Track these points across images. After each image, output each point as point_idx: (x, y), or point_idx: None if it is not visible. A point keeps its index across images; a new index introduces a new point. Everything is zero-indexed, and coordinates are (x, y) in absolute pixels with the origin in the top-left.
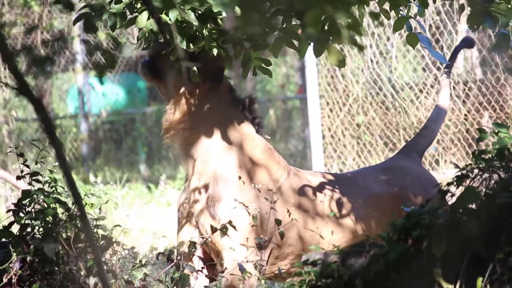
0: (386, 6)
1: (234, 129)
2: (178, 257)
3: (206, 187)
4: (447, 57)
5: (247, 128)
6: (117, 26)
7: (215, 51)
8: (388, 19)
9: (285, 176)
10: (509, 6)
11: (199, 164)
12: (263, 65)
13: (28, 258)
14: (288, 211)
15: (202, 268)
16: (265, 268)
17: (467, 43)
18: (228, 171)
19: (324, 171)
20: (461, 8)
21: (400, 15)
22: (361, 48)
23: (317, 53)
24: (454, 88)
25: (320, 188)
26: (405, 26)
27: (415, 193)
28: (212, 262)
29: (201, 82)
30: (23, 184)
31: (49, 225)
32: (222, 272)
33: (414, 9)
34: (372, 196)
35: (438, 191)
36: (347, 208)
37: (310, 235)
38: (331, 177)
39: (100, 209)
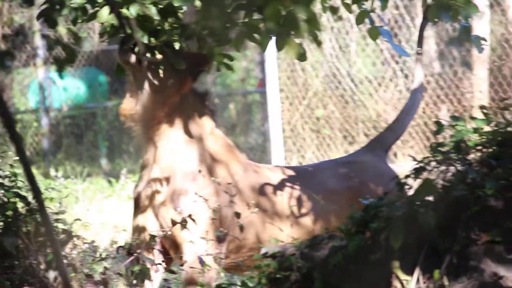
0: (348, 0)
1: (197, 123)
2: (138, 251)
3: (168, 179)
4: (407, 50)
5: (209, 123)
6: (78, 21)
7: (177, 46)
8: (350, 12)
9: (241, 172)
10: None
11: (162, 156)
12: (226, 60)
13: None
14: (248, 205)
15: (163, 261)
16: (224, 261)
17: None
18: (190, 165)
19: (284, 165)
20: (424, 1)
21: (362, 9)
22: (319, 43)
23: (279, 47)
24: (412, 81)
25: (278, 183)
26: (366, 19)
27: (375, 188)
28: (169, 255)
29: (187, 79)
30: None
31: (9, 220)
32: (182, 265)
33: (375, 3)
34: (329, 191)
35: (396, 184)
36: (304, 203)
37: (268, 230)
38: (290, 172)
39: (60, 203)
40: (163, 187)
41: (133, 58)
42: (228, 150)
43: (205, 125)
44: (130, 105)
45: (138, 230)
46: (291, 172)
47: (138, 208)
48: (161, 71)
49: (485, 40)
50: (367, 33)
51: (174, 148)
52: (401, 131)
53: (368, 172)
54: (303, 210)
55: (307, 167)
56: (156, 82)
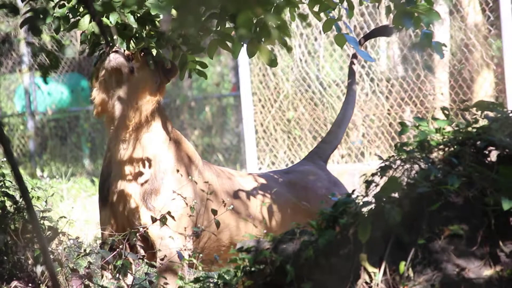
0: (316, 8)
1: (170, 126)
2: (120, 246)
3: (143, 177)
4: (372, 55)
5: (166, 120)
6: (61, 29)
7: (154, 51)
8: (319, 20)
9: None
10: (428, 6)
11: (139, 155)
12: (199, 67)
13: None
14: (223, 202)
15: (143, 256)
16: (200, 255)
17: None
18: (167, 164)
19: (238, 171)
20: (388, 9)
21: (329, 17)
22: (289, 49)
23: (250, 54)
24: (377, 84)
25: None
26: (333, 27)
27: (318, 192)
28: (152, 250)
29: (164, 84)
30: None
31: None
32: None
33: (342, 11)
34: (273, 196)
35: (364, 181)
36: (252, 206)
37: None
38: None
39: (46, 201)
40: (137, 185)
41: (126, 65)
42: (192, 152)
43: (173, 128)
44: (104, 103)
45: (108, 224)
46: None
47: (107, 203)
48: (144, 78)
49: (445, 45)
50: (334, 40)
51: (151, 148)
52: (336, 143)
53: (308, 178)
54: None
55: (255, 174)
56: (141, 87)
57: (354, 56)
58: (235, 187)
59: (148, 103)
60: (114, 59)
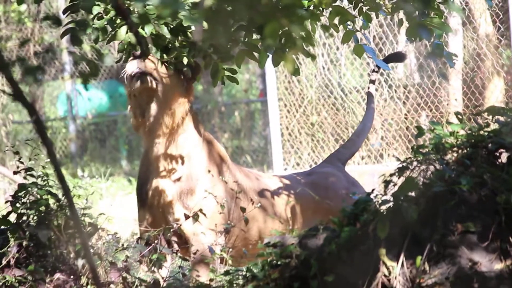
0: (336, 20)
1: (201, 128)
2: (155, 241)
3: (177, 174)
4: (390, 64)
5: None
6: (100, 39)
7: (185, 61)
8: (337, 32)
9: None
10: (442, 20)
11: (174, 157)
12: (230, 74)
13: (24, 243)
14: (251, 200)
15: (177, 250)
16: (230, 250)
17: (397, 57)
18: (201, 164)
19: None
20: (400, 22)
21: (348, 29)
22: (313, 57)
23: (275, 63)
24: (395, 91)
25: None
26: (352, 38)
27: (336, 191)
28: (185, 245)
29: (191, 87)
30: (19, 178)
31: (42, 214)
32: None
33: (360, 23)
34: (297, 196)
35: (383, 181)
36: (277, 204)
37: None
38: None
39: (86, 199)
40: (173, 184)
41: (151, 83)
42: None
43: (203, 130)
44: (138, 118)
45: (146, 222)
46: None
47: (145, 204)
48: (171, 83)
49: (456, 56)
50: (353, 50)
51: (186, 148)
52: (354, 150)
53: (329, 179)
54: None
55: (279, 176)
56: (171, 93)
57: (372, 75)
58: (262, 186)
59: (180, 105)
60: (138, 81)
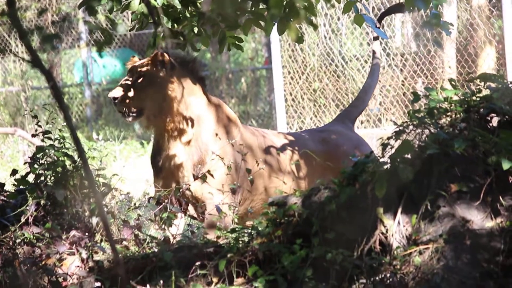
0: None
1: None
2: (166, 201)
3: (188, 142)
4: (388, 33)
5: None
6: (114, 10)
7: (195, 30)
8: (339, 3)
9: (239, 137)
10: None
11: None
12: (236, 42)
13: (42, 202)
14: (257, 162)
15: (185, 209)
16: (238, 209)
17: (396, 8)
18: (208, 129)
19: (278, 131)
20: None
21: (348, 0)
22: (315, 27)
23: (280, 32)
24: (393, 59)
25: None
26: (353, 8)
27: (347, 150)
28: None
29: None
30: (37, 141)
31: (59, 175)
32: (203, 213)
33: None
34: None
35: (380, 144)
36: (289, 161)
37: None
38: (279, 136)
39: (101, 161)
40: (183, 148)
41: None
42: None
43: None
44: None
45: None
46: (279, 136)
47: (159, 168)
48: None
49: (452, 25)
50: (354, 20)
51: (193, 116)
52: (363, 107)
53: (340, 137)
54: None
55: (291, 133)
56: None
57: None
58: (268, 143)
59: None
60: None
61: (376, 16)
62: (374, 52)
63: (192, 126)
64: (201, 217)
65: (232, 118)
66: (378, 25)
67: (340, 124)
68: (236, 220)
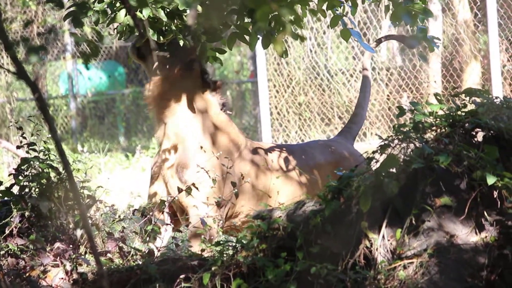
0: (324, 6)
1: (203, 106)
2: (150, 213)
3: (176, 152)
4: (373, 47)
5: (214, 109)
6: (100, 22)
7: (181, 42)
8: (324, 17)
9: (244, 144)
10: (424, 5)
11: (170, 131)
12: (216, 55)
13: (26, 213)
14: (242, 176)
15: (171, 222)
16: (223, 222)
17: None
18: (194, 140)
19: (274, 143)
20: (387, 8)
21: (336, 14)
22: (302, 39)
23: (265, 46)
24: (378, 73)
25: (274, 156)
26: (340, 22)
27: (349, 164)
28: (177, 217)
29: (174, 69)
30: (22, 153)
31: (44, 186)
32: (187, 225)
33: (347, 8)
34: (317, 164)
35: (366, 158)
36: (297, 173)
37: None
38: (284, 148)
39: (86, 173)
40: (171, 160)
41: (135, 55)
42: (230, 126)
43: (212, 109)
44: (146, 92)
45: (152, 196)
46: (285, 148)
47: (154, 178)
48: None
49: (439, 39)
50: (340, 34)
51: (180, 124)
52: (362, 122)
53: (344, 152)
54: (295, 179)
55: (296, 145)
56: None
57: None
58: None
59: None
60: (131, 51)
61: (362, 30)
62: (364, 67)
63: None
64: (187, 230)
65: (218, 126)
66: (374, 46)
67: (345, 140)
68: (221, 233)
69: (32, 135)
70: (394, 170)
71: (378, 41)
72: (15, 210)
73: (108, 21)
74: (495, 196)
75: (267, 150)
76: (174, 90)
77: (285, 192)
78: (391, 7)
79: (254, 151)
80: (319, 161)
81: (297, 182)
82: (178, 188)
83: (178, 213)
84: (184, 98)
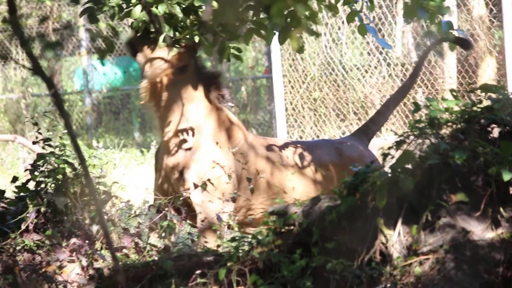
0: (340, 2)
1: (199, 103)
2: (166, 209)
3: (187, 149)
4: (389, 43)
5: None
6: (115, 17)
7: (196, 39)
8: (337, 13)
9: (243, 140)
10: (437, 1)
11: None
12: (236, 52)
13: (42, 209)
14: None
15: (185, 217)
16: (237, 218)
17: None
18: (206, 136)
19: (281, 139)
20: (406, 4)
21: (352, 9)
22: (317, 35)
23: (281, 41)
24: (393, 69)
25: (283, 151)
26: (356, 18)
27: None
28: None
29: (167, 72)
30: (38, 148)
31: (59, 182)
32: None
33: (363, 4)
34: (322, 164)
35: (381, 154)
36: (304, 170)
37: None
38: (293, 145)
39: (101, 169)
40: (181, 158)
41: (130, 52)
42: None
43: (207, 104)
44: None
45: (160, 191)
46: (297, 146)
47: (159, 173)
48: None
49: (462, 31)
50: (356, 29)
51: (190, 121)
52: (383, 122)
53: (354, 154)
54: (304, 176)
55: (307, 142)
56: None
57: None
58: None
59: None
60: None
61: (376, 26)
62: (415, 68)
63: (193, 134)
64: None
65: (233, 121)
66: (432, 48)
67: (357, 140)
68: (236, 229)
69: (47, 130)
70: (410, 166)
71: (437, 42)
72: (31, 205)
73: (123, 16)
74: (511, 192)
75: (269, 146)
76: (166, 90)
77: (299, 189)
78: (409, 2)
79: (251, 145)
80: (324, 161)
81: (303, 179)
82: (194, 184)
83: (185, 209)
84: (177, 97)
